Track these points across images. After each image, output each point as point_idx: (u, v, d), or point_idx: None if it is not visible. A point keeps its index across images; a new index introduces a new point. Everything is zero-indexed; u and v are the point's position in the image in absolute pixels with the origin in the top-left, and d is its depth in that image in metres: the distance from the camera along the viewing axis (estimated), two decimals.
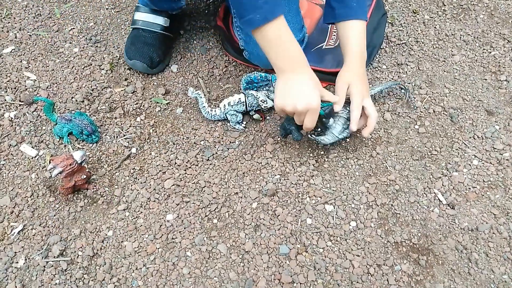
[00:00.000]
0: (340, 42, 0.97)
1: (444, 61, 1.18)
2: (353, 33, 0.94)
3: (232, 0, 0.86)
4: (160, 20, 1.14)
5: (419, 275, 0.85)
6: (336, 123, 0.93)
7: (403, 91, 1.10)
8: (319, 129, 0.94)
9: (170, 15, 1.16)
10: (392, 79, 1.14)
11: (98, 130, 1.03)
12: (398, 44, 1.21)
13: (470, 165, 0.99)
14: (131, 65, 1.12)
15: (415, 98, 1.10)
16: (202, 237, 0.89)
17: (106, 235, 0.89)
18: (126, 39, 1.17)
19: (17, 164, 0.99)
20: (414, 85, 1.12)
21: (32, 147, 1.01)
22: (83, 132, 0.99)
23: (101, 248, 0.88)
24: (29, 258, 0.86)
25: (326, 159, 0.99)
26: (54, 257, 0.86)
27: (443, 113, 1.07)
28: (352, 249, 0.87)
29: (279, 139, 1.03)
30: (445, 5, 1.31)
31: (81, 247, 0.88)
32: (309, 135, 0.95)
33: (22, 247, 0.88)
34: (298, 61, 0.85)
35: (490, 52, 1.20)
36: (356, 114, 0.91)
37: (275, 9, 0.81)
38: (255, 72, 1.06)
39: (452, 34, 1.24)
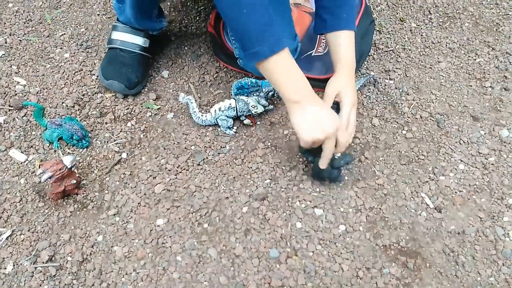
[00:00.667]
0: (330, 51, 0.99)
1: (431, 68, 1.21)
2: (343, 43, 0.95)
3: (236, 33, 0.84)
4: (139, 40, 1.11)
5: (407, 278, 0.86)
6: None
7: (372, 82, 1.14)
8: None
9: (150, 36, 1.13)
10: (380, 84, 1.16)
11: (89, 135, 1.03)
12: (386, 51, 1.24)
13: (456, 169, 1.01)
14: (107, 85, 1.09)
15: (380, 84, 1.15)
16: (193, 241, 0.89)
17: (96, 240, 0.89)
18: (102, 59, 1.14)
19: (6, 169, 0.98)
20: (402, 91, 1.14)
21: (21, 152, 1.01)
22: (74, 137, 0.99)
23: (90, 253, 0.87)
24: (17, 264, 0.86)
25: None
26: (43, 262, 0.85)
27: (430, 119, 1.09)
28: (341, 253, 0.88)
29: (269, 144, 1.04)
30: (431, 14, 1.34)
31: (70, 253, 0.87)
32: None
33: (11, 252, 0.87)
34: (307, 90, 0.84)
35: (475, 59, 1.23)
36: (344, 122, 0.93)
37: (280, 41, 0.81)
38: (246, 78, 1.07)
39: (438, 42, 1.27)
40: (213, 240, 0.89)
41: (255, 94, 1.07)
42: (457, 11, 1.35)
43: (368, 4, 1.28)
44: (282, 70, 0.83)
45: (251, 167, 1.00)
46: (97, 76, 1.14)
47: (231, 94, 1.09)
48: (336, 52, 0.97)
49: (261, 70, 0.84)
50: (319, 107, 0.85)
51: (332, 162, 0.91)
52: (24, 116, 1.06)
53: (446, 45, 1.26)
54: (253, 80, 1.05)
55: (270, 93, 1.07)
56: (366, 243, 0.90)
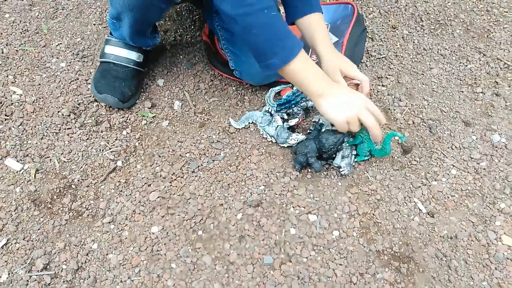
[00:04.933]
0: (306, 36, 1.02)
1: (423, 74, 1.22)
2: (318, 25, 1.00)
3: (250, 47, 0.89)
4: (133, 56, 1.11)
5: (400, 283, 0.86)
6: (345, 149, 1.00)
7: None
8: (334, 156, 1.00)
9: (143, 51, 1.14)
10: (372, 91, 1.17)
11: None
12: (378, 58, 1.25)
13: (448, 174, 1.02)
14: (101, 99, 1.09)
15: None
16: (187, 249, 0.89)
17: (91, 248, 0.89)
18: (94, 72, 1.14)
19: (1, 178, 0.99)
20: (394, 97, 1.16)
21: (17, 161, 1.01)
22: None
23: (85, 261, 0.88)
24: (12, 273, 0.86)
25: (309, 170, 1.02)
26: (38, 271, 0.86)
27: (422, 124, 1.11)
28: (335, 258, 0.89)
29: (263, 150, 1.05)
30: (423, 21, 1.36)
31: (65, 261, 0.88)
32: (329, 163, 1.01)
33: (6, 261, 0.87)
34: (326, 82, 0.90)
35: (466, 66, 1.24)
36: (366, 87, 0.98)
37: (292, 50, 0.87)
38: (288, 92, 1.06)
39: (430, 48, 1.28)
40: (208, 247, 0.90)
41: (303, 101, 1.06)
42: (449, 18, 1.37)
43: (360, 12, 1.30)
44: (299, 73, 0.89)
45: (246, 174, 1.00)
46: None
47: (270, 109, 1.08)
48: (313, 35, 1.00)
49: (282, 75, 0.91)
50: (340, 91, 0.91)
51: (327, 153, 0.97)
52: (20, 125, 1.07)
53: (438, 51, 1.28)
54: (294, 90, 1.05)
55: None
56: (359, 249, 0.90)
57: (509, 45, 1.29)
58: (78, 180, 0.99)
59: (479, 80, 1.21)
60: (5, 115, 1.09)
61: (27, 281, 0.85)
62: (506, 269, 0.88)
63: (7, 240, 0.90)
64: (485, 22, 1.36)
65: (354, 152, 1.01)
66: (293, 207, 0.95)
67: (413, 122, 1.11)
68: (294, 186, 0.99)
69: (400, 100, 1.15)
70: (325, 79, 0.91)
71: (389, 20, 1.36)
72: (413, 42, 1.30)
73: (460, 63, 1.25)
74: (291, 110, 1.07)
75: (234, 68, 1.12)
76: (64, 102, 1.12)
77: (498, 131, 1.09)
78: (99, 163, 1.02)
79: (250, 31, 0.85)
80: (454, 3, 1.41)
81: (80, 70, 1.19)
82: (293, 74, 0.89)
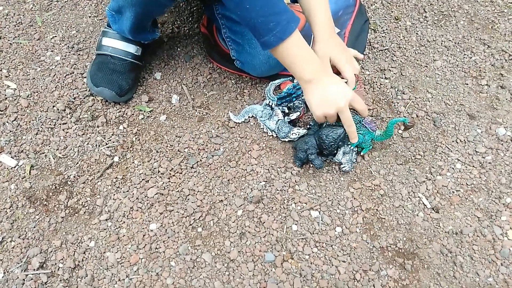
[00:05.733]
0: (306, 15, 0.98)
1: (426, 66, 1.19)
2: (319, 5, 0.95)
3: (245, 24, 0.86)
4: (131, 49, 1.08)
5: (405, 279, 0.84)
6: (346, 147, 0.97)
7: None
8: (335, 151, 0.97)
9: (142, 44, 1.10)
10: (375, 83, 1.15)
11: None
12: (381, 50, 1.23)
13: (453, 168, 1.00)
14: (97, 92, 1.06)
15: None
16: (187, 246, 0.87)
17: (88, 246, 0.87)
18: (90, 65, 1.11)
19: None
20: (397, 90, 1.13)
21: (11, 157, 0.99)
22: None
23: (82, 260, 0.86)
24: (8, 271, 0.84)
25: (311, 165, 0.99)
26: (34, 269, 0.84)
27: (426, 118, 1.08)
28: (338, 255, 0.87)
29: (264, 145, 1.03)
30: (426, 12, 1.33)
31: (62, 259, 0.85)
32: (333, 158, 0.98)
33: (1, 260, 0.85)
34: (317, 69, 0.88)
35: (471, 57, 1.21)
36: (351, 86, 0.96)
37: (288, 28, 0.83)
38: (289, 85, 1.03)
39: (433, 40, 1.26)
40: (208, 244, 0.88)
41: (302, 95, 1.03)
42: (452, 9, 1.34)
43: (362, 3, 1.27)
44: (292, 54, 0.85)
45: (246, 169, 0.98)
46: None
47: (270, 102, 1.05)
48: (311, 15, 0.96)
49: (274, 55, 0.88)
50: (329, 83, 0.88)
51: (327, 149, 0.95)
52: (14, 120, 1.05)
53: (442, 43, 1.25)
54: (295, 83, 1.02)
55: None
56: (363, 245, 0.88)
57: None
58: (74, 177, 0.97)
59: (484, 72, 1.18)
60: None
61: (23, 280, 0.83)
62: None
63: (2, 238, 0.88)
64: (489, 13, 1.33)
65: (355, 149, 0.98)
66: (295, 203, 0.93)
67: (417, 116, 1.08)
68: (295, 181, 0.96)
69: (403, 93, 1.13)
70: (317, 64, 0.87)
71: (392, 11, 1.33)
72: (417, 33, 1.27)
73: (465, 55, 1.22)
74: (292, 103, 1.04)
75: (236, 58, 1.09)
76: (59, 97, 1.09)
77: (504, 124, 1.07)
78: (95, 159, 0.99)
79: (243, 5, 0.81)
80: None
81: (75, 64, 1.16)
82: (285, 54, 0.85)
